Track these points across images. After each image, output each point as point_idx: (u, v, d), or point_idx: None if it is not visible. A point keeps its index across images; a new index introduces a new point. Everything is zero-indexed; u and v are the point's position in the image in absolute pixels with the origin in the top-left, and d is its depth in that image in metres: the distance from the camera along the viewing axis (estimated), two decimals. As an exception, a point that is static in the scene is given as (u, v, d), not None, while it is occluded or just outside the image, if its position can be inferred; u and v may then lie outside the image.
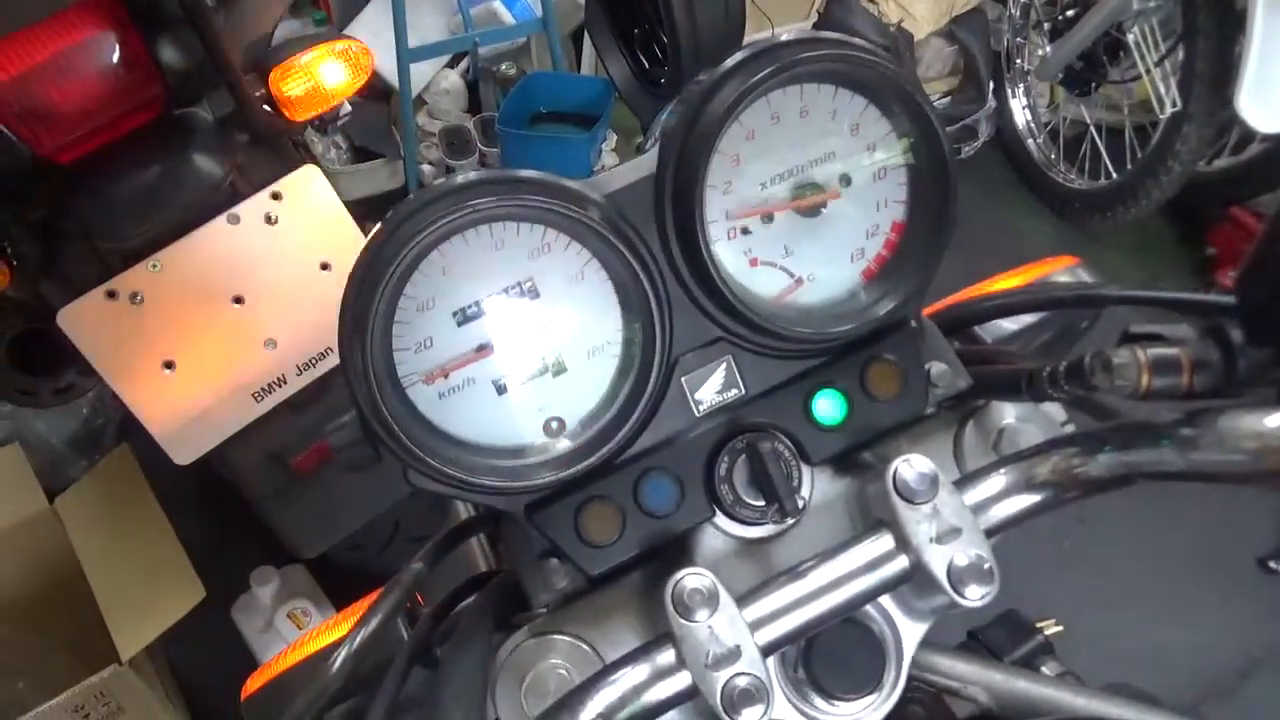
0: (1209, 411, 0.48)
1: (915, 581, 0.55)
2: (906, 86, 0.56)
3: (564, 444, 0.58)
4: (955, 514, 0.54)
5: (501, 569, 0.71)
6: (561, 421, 0.59)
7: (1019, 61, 3.39)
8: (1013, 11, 3.36)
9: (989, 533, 0.55)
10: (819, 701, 0.60)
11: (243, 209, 1.43)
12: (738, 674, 0.51)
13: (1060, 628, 1.05)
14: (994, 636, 0.93)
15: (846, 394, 0.61)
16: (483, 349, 0.57)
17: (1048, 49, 3.20)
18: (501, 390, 0.57)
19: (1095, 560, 2.32)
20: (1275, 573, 2.28)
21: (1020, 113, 3.44)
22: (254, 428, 1.51)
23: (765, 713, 0.50)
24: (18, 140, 1.22)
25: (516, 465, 0.57)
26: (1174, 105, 2.67)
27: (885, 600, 0.61)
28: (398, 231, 0.52)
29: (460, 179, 0.53)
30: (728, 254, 0.59)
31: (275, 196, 1.45)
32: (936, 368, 0.63)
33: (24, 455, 1.99)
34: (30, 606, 1.87)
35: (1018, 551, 2.27)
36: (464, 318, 0.56)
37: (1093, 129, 3.10)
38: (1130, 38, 2.81)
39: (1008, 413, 0.66)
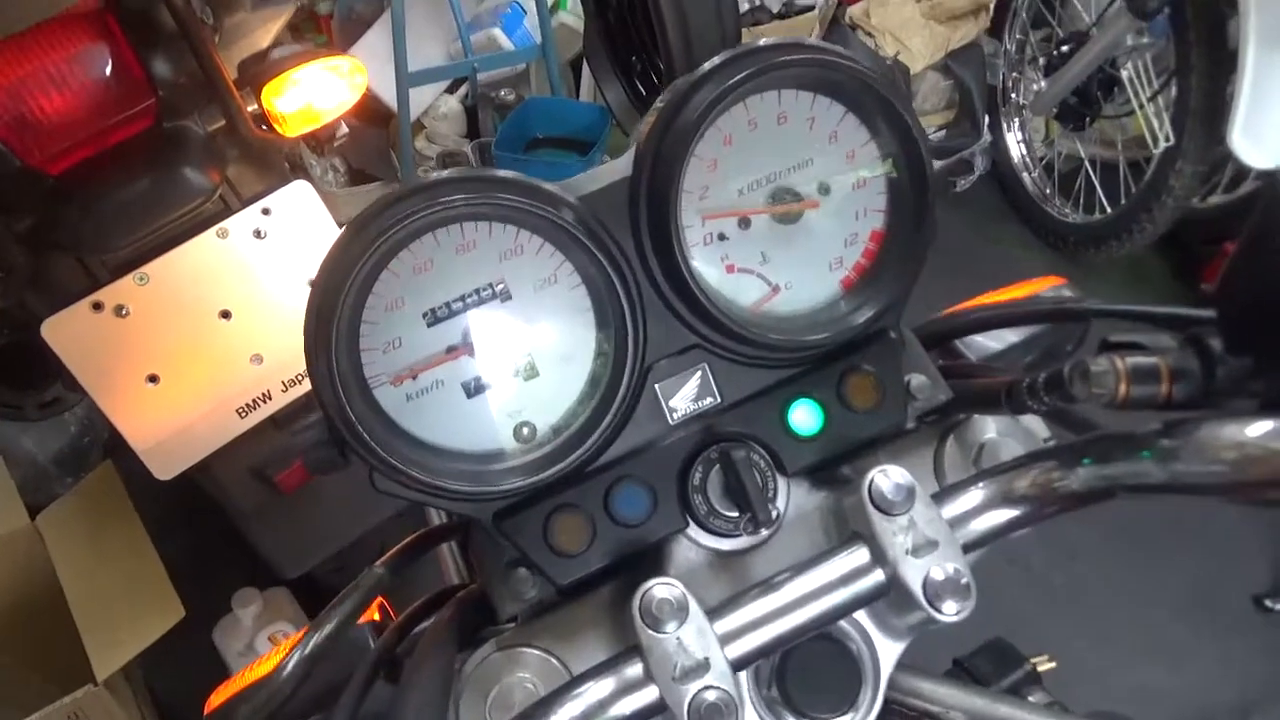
0: (1188, 422, 0.47)
1: (892, 597, 0.54)
2: (885, 94, 0.55)
3: (534, 450, 0.57)
4: (932, 527, 0.53)
5: (472, 583, 0.70)
6: (532, 427, 0.58)
7: (1014, 96, 3.41)
8: (1008, 47, 3.39)
9: (968, 548, 0.54)
10: (793, 721, 0.58)
11: (232, 223, 1.42)
12: (706, 687, 0.49)
13: (1054, 664, 1.03)
14: (980, 665, 0.92)
15: (824, 405, 0.60)
16: (453, 350, 0.56)
17: (1042, 84, 3.22)
18: (471, 394, 0.56)
19: (1088, 597, 2.29)
20: (1272, 611, 2.25)
21: (1015, 146, 3.46)
22: (238, 444, 1.49)
23: None
24: (6, 149, 1.21)
25: (485, 470, 0.56)
26: (1167, 140, 2.68)
27: (862, 617, 0.60)
28: (367, 227, 0.51)
29: (433, 176, 0.52)
30: (704, 260, 0.58)
31: (265, 212, 1.44)
32: (916, 380, 0.62)
33: (6, 470, 1.97)
34: (6, 624, 1.84)
35: (1008, 586, 2.25)
36: (434, 319, 0.55)
37: (1087, 164, 3.11)
38: (1124, 74, 2.83)
39: (989, 428, 0.65)
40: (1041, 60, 3.24)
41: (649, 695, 0.50)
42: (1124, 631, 2.22)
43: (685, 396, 0.59)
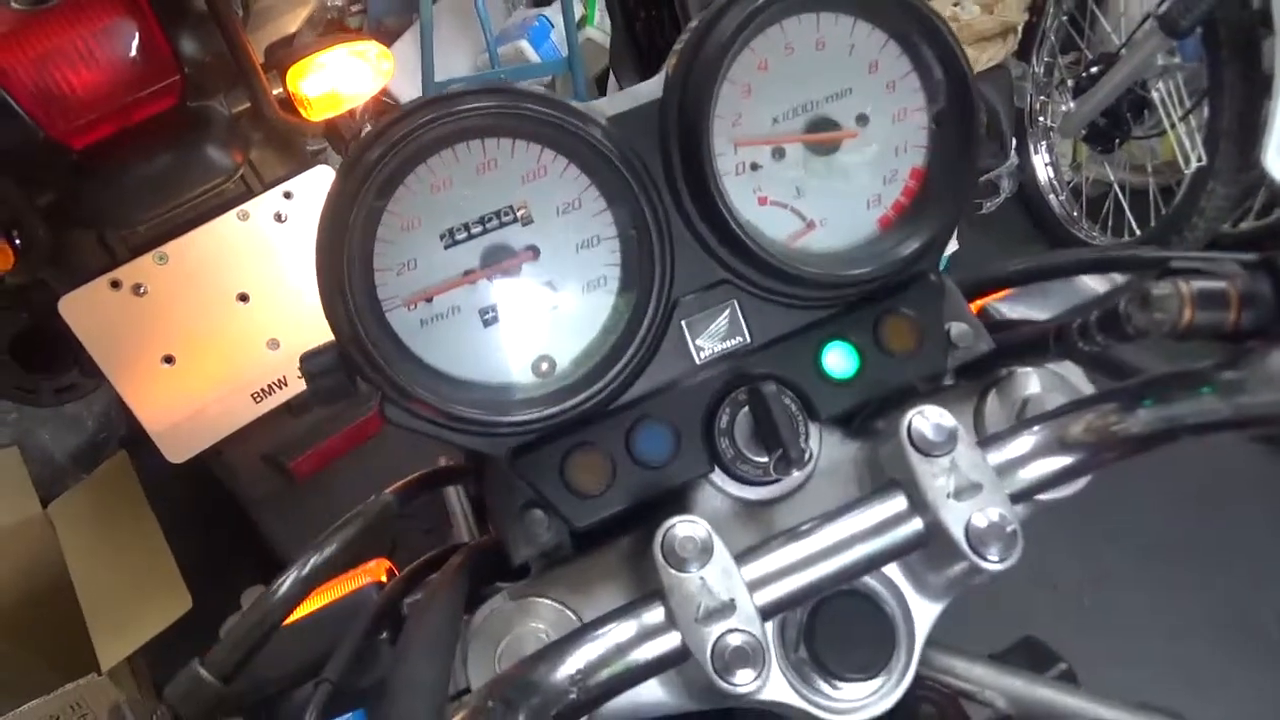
0: (1254, 351, 0.44)
1: (930, 548, 0.51)
2: (930, 16, 0.53)
3: (553, 384, 0.54)
4: (976, 470, 0.49)
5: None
6: (552, 362, 0.55)
7: (1042, 119, 3.38)
8: (1036, 70, 3.36)
9: (1015, 498, 0.50)
10: (821, 684, 0.55)
11: (253, 205, 1.41)
12: (731, 630, 0.46)
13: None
14: (1014, 661, 0.87)
15: (859, 347, 0.57)
16: (470, 274, 0.53)
17: (1071, 105, 3.19)
18: (489, 322, 0.54)
19: (1117, 620, 2.22)
20: (1308, 644, 2.17)
21: (1042, 169, 3.43)
22: (251, 429, 1.48)
23: (760, 677, 0.45)
24: (30, 119, 1.21)
25: (501, 401, 0.53)
26: (1199, 160, 2.64)
27: (896, 576, 0.56)
28: (382, 135, 0.49)
29: (456, 87, 0.50)
30: (735, 191, 0.55)
31: (287, 195, 1.43)
32: (957, 328, 0.59)
33: (21, 460, 1.97)
34: (15, 612, 1.82)
35: (1033, 607, 2.18)
36: (451, 240, 0.53)
37: (1116, 187, 3.07)
38: (1155, 95, 2.79)
39: (1031, 383, 0.61)
40: (1070, 82, 3.21)
41: (670, 641, 0.47)
42: (1155, 658, 2.14)
43: (713, 335, 0.56)
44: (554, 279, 0.54)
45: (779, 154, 0.56)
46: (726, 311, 0.56)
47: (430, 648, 0.50)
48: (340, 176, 0.49)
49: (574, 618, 0.56)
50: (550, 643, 0.48)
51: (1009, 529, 0.48)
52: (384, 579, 0.74)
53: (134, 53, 1.27)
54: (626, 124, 0.53)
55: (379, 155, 0.48)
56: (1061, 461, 0.50)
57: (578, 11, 3.29)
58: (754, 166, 0.56)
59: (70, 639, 1.64)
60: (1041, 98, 3.38)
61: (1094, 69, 3.06)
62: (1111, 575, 2.24)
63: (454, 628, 0.52)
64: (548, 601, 0.56)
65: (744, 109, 0.55)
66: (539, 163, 0.53)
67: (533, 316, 0.54)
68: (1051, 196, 3.40)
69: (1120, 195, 3.06)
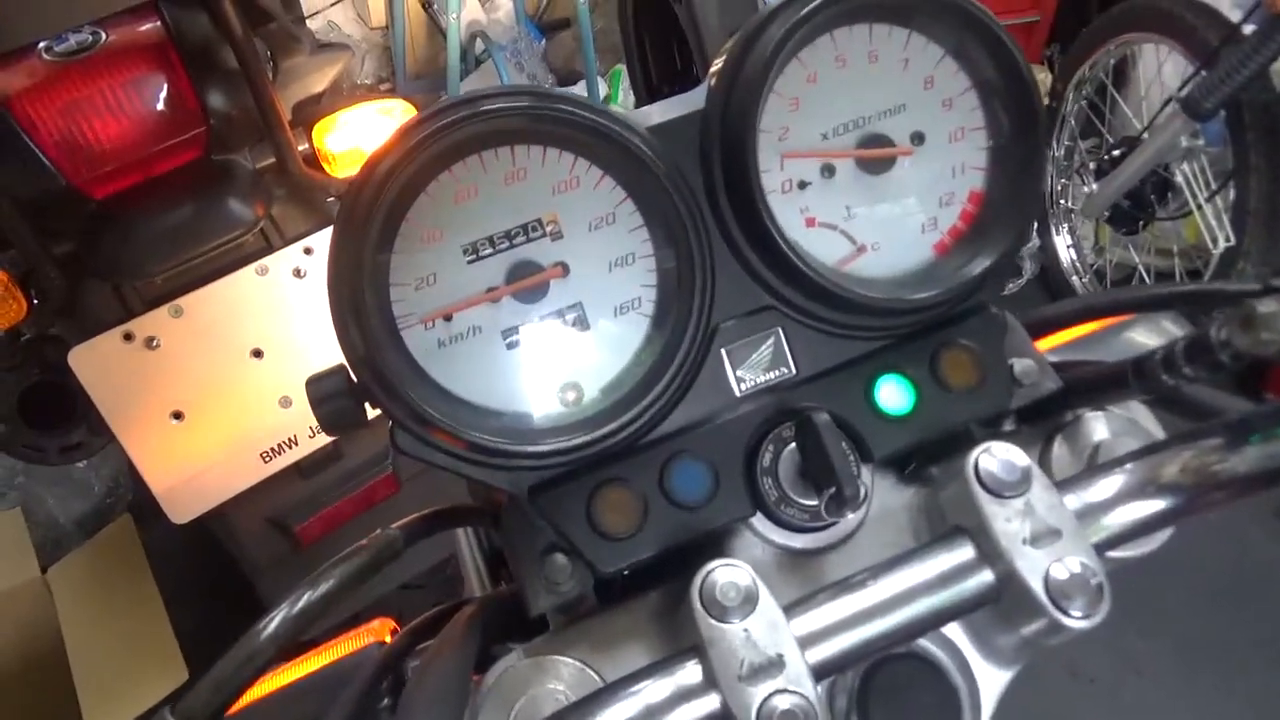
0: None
1: (1001, 603, 0.45)
2: (990, 25, 0.49)
3: (580, 414, 0.49)
4: (1054, 514, 0.44)
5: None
6: (580, 390, 0.50)
7: (1063, 201, 3.38)
8: (1056, 153, 3.37)
9: (1099, 548, 0.45)
10: (877, 762, 0.48)
11: (273, 260, 1.40)
12: (779, 691, 0.40)
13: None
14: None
15: (915, 382, 0.52)
16: (493, 291, 0.49)
17: (1093, 188, 3.18)
18: (512, 345, 0.49)
19: (1156, 716, 2.10)
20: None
21: (1064, 251, 3.41)
22: (258, 490, 1.43)
23: None
24: (53, 167, 1.20)
25: (523, 430, 0.48)
26: (1228, 240, 2.60)
27: (959, 638, 0.50)
28: (403, 138, 0.45)
29: (487, 89, 0.46)
30: (782, 209, 0.51)
31: (307, 251, 1.42)
32: (1021, 364, 0.54)
33: (24, 522, 1.92)
34: (8, 677, 1.75)
35: (1070, 699, 2.05)
36: (475, 255, 0.49)
37: (1140, 270, 3.04)
38: (1178, 177, 2.78)
39: (1100, 429, 0.56)
40: (1092, 165, 3.21)
41: (708, 704, 0.41)
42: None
43: (755, 365, 0.51)
44: (584, 299, 0.50)
45: (828, 172, 0.52)
46: (770, 340, 0.51)
47: (436, 710, 0.44)
48: (360, 178, 0.45)
49: (597, 679, 0.50)
50: (570, 704, 0.42)
51: (1093, 581, 0.43)
52: (388, 639, 0.68)
53: (161, 104, 1.27)
54: (666, 135, 0.50)
55: (399, 158, 0.44)
56: (1152, 506, 0.45)
57: (602, 91, 3.35)
58: (802, 185, 0.52)
59: (64, 707, 1.56)
60: (1062, 180, 3.38)
61: (1116, 152, 3.06)
62: (1147, 669, 2.12)
63: (463, 688, 0.47)
64: (568, 660, 0.50)
65: (792, 123, 0.51)
66: (571, 173, 0.49)
67: (560, 340, 0.50)
68: (1074, 279, 3.37)
69: (1145, 277, 3.02)
